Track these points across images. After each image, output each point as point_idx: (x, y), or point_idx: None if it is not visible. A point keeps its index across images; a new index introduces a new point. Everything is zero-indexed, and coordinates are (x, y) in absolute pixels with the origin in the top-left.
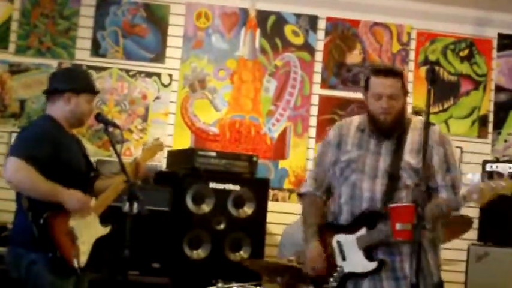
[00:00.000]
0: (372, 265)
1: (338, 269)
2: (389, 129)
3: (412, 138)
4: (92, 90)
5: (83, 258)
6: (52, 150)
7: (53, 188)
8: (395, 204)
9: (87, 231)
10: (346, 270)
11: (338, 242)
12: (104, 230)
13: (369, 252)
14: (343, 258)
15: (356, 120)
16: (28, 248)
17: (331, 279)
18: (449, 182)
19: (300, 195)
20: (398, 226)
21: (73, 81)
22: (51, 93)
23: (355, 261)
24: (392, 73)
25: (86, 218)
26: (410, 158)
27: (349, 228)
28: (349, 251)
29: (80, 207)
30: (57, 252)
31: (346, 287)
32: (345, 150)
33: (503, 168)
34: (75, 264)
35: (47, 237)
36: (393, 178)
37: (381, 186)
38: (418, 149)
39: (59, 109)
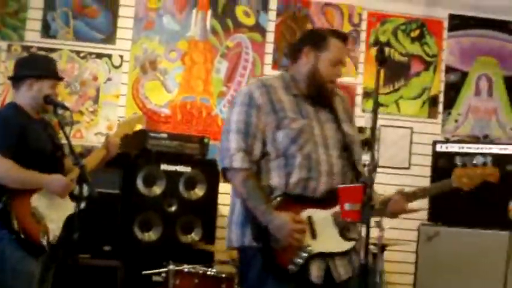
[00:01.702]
0: (349, 244)
1: (307, 248)
2: (330, 97)
3: (338, 106)
4: (54, 76)
5: (53, 235)
6: (18, 136)
7: (32, 176)
8: (344, 185)
9: (55, 210)
10: (316, 250)
11: (309, 218)
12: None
13: (346, 230)
14: (314, 237)
15: (276, 81)
16: None
17: (297, 259)
18: (361, 157)
19: (230, 170)
20: (347, 206)
21: (34, 68)
22: (15, 80)
23: (328, 240)
24: (348, 40)
25: (52, 197)
26: (347, 128)
27: (323, 203)
28: (323, 228)
29: (62, 191)
30: (20, 234)
31: (308, 267)
32: (288, 116)
33: (453, 148)
34: (44, 242)
35: (8, 220)
36: (346, 149)
37: (336, 159)
38: (347, 118)
39: (22, 95)
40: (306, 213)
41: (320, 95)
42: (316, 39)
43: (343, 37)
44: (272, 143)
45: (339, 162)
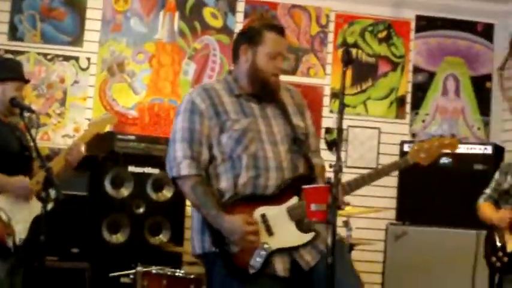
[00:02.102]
0: (307, 237)
1: (265, 246)
2: (275, 92)
3: (287, 100)
4: (19, 78)
5: (20, 237)
6: None
7: None
8: (309, 186)
9: (22, 211)
10: (275, 246)
11: (263, 216)
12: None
13: (301, 223)
14: (270, 233)
15: (218, 85)
16: None
17: (256, 259)
18: (319, 148)
19: (179, 179)
20: (312, 207)
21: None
22: None
23: (286, 234)
24: (284, 32)
25: (18, 199)
26: (297, 121)
27: (275, 199)
28: (279, 224)
29: (25, 193)
30: None
31: (272, 263)
32: (230, 118)
33: None
34: (9, 244)
35: None
36: (295, 142)
37: (285, 154)
38: (297, 112)
39: None
40: (259, 211)
41: (264, 90)
42: (251, 35)
43: (278, 29)
44: (218, 147)
45: (288, 156)
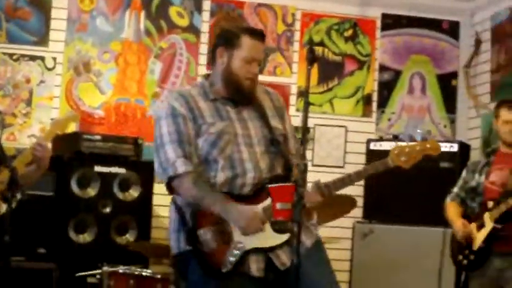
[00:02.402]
0: (282, 238)
1: (238, 245)
2: (251, 96)
3: (265, 103)
4: None
5: None
6: None
7: None
8: (275, 184)
9: None
10: (249, 246)
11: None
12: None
13: (276, 223)
14: (245, 233)
15: (194, 90)
16: None
17: (230, 258)
18: (300, 151)
19: (176, 178)
20: (278, 205)
21: None
22: None
23: (260, 235)
24: (264, 37)
25: None
26: (276, 123)
27: (250, 198)
28: None
29: None
30: None
31: (247, 262)
32: (206, 122)
33: (387, 146)
34: None
35: None
36: (273, 143)
37: (262, 155)
38: (276, 114)
39: None
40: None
41: (238, 93)
42: (229, 38)
43: (257, 34)
44: (196, 151)
45: (265, 157)
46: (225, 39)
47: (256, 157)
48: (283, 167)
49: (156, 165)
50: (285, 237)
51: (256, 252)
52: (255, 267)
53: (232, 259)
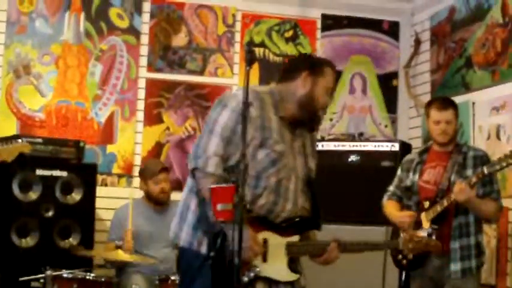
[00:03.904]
0: (293, 277)
1: (256, 268)
2: (318, 124)
3: (307, 141)
4: None
5: None
6: None
7: None
8: (216, 185)
9: None
10: (263, 274)
11: (264, 241)
12: None
13: (292, 262)
14: (264, 259)
15: (268, 98)
16: None
17: (243, 278)
18: None
19: (201, 172)
20: (219, 206)
21: None
22: None
23: (277, 266)
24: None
25: None
26: (311, 163)
27: (280, 229)
28: (274, 254)
29: None
30: None
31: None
32: (273, 137)
33: (329, 146)
34: None
35: None
36: (308, 185)
37: (301, 191)
38: (312, 153)
39: None
40: (263, 235)
41: (311, 120)
42: (315, 64)
43: (334, 66)
44: (251, 160)
45: (302, 195)
46: (311, 64)
47: (298, 192)
48: (311, 210)
49: (193, 147)
50: (294, 277)
51: (264, 282)
52: None
53: (245, 279)
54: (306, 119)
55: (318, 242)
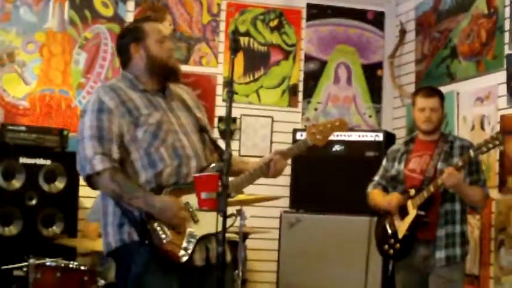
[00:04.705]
0: (230, 220)
1: (194, 233)
2: (177, 71)
3: (184, 96)
4: None
5: None
6: None
7: None
8: (200, 174)
9: None
10: (201, 233)
11: (187, 204)
12: None
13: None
14: (195, 221)
15: (121, 83)
16: None
17: (186, 246)
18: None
19: (93, 176)
20: (203, 195)
21: None
22: None
23: (210, 221)
24: (159, 18)
25: None
26: (198, 113)
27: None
28: (202, 212)
29: None
30: None
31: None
32: (143, 113)
33: None
34: None
35: None
36: (204, 132)
37: (198, 143)
38: (195, 105)
39: None
40: (183, 199)
41: (166, 72)
42: (133, 33)
43: (149, 18)
44: (134, 143)
45: (200, 145)
46: (131, 37)
47: (194, 145)
48: (217, 153)
49: (76, 161)
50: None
51: (201, 241)
52: (199, 257)
53: (188, 247)
54: (164, 77)
55: (252, 172)
